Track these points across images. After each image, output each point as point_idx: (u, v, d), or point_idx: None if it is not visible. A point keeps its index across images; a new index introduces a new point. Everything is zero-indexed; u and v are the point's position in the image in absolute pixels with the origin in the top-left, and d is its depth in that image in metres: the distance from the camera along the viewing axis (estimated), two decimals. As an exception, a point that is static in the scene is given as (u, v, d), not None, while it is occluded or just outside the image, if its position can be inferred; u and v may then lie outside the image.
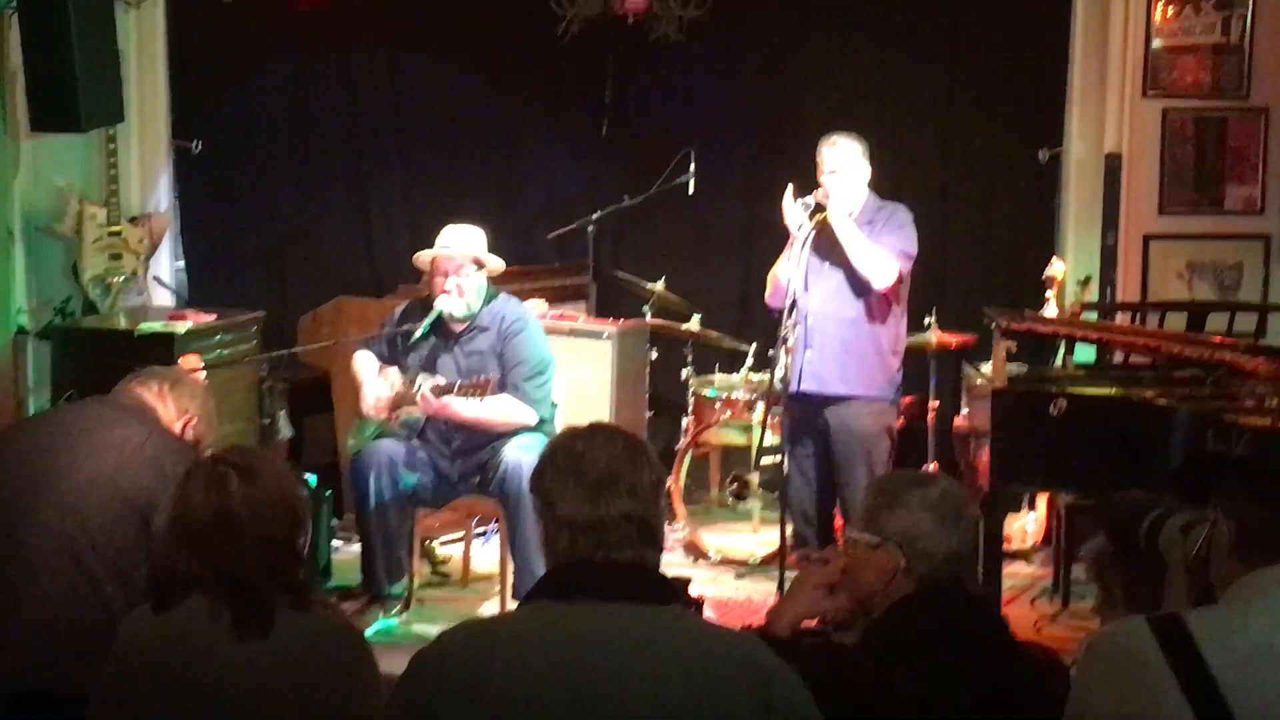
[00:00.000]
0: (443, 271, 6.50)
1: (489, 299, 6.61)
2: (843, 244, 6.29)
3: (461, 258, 6.51)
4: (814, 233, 6.30)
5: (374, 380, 6.61)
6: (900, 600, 3.41)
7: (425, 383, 6.32)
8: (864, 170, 6.48)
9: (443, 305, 6.48)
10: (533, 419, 6.46)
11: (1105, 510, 3.94)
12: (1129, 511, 3.68)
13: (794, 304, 6.27)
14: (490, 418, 6.40)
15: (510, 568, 6.49)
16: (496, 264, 6.65)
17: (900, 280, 6.37)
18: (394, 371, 6.62)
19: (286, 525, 3.41)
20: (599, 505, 2.87)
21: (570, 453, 2.94)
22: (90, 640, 3.91)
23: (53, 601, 4.12)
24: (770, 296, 6.56)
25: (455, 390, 6.23)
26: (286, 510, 3.42)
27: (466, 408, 6.30)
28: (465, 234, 6.58)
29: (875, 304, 6.40)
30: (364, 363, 6.70)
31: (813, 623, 3.56)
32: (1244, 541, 2.87)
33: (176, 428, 4.56)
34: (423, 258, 6.62)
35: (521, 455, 6.22)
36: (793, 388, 6.46)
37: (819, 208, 6.35)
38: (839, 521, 6.80)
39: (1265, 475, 3.00)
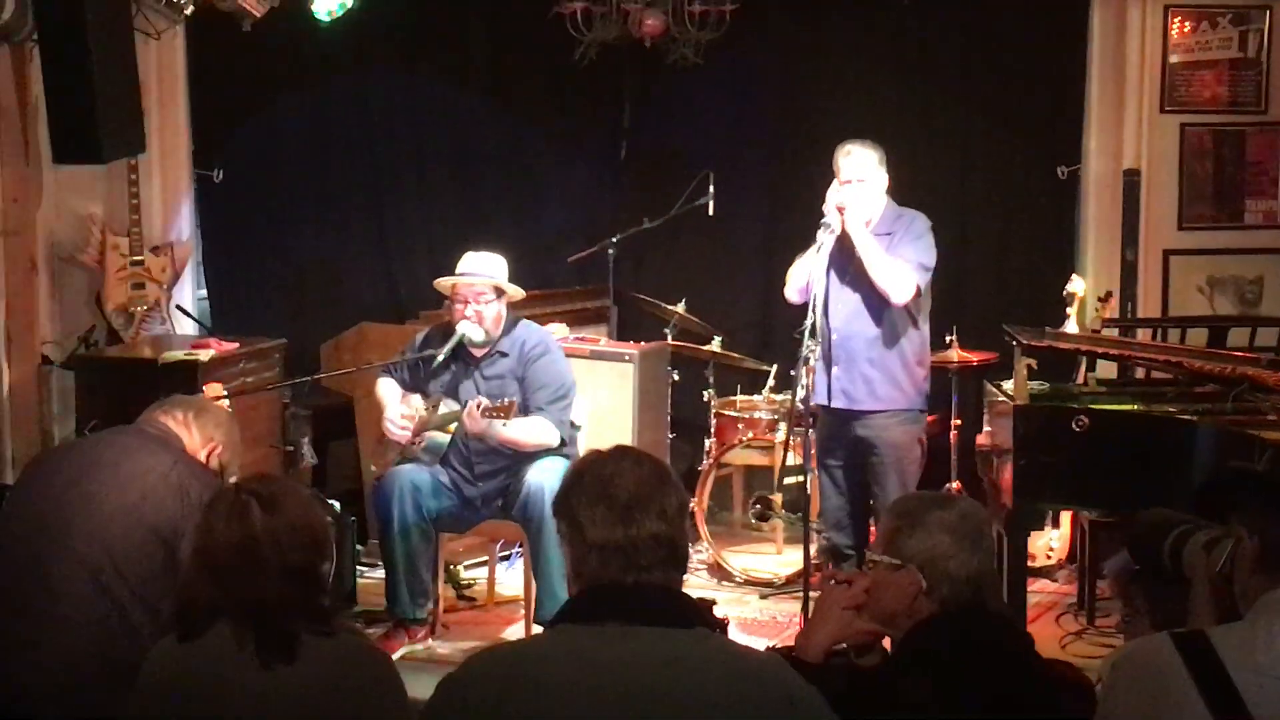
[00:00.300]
0: (463, 299, 6.53)
1: (509, 325, 6.63)
2: (860, 255, 6.26)
3: (482, 285, 6.54)
4: (833, 244, 6.26)
5: (397, 405, 6.65)
6: (922, 621, 3.41)
7: (470, 402, 6.34)
8: (881, 178, 6.43)
9: (461, 326, 6.51)
10: (556, 440, 6.48)
11: (1129, 528, 3.93)
12: (1153, 529, 3.68)
13: (813, 324, 6.23)
14: (523, 438, 6.43)
15: (534, 591, 6.51)
16: (516, 292, 6.68)
17: (919, 294, 6.36)
18: (417, 398, 6.66)
19: (309, 554, 3.40)
20: (630, 528, 2.88)
21: (599, 476, 2.94)
22: (117, 669, 3.91)
23: (80, 630, 4.14)
24: (794, 292, 6.51)
25: (481, 410, 6.25)
26: (309, 539, 3.41)
27: (503, 429, 6.33)
28: (486, 261, 6.61)
29: (897, 318, 6.38)
30: (387, 389, 6.75)
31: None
32: (1267, 557, 2.87)
33: (202, 456, 4.58)
34: (444, 283, 6.65)
35: (544, 478, 6.25)
36: (822, 402, 6.44)
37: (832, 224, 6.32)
38: (874, 531, 6.81)
39: None
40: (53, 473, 4.46)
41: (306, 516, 3.45)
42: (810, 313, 6.15)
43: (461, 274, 6.58)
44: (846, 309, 6.41)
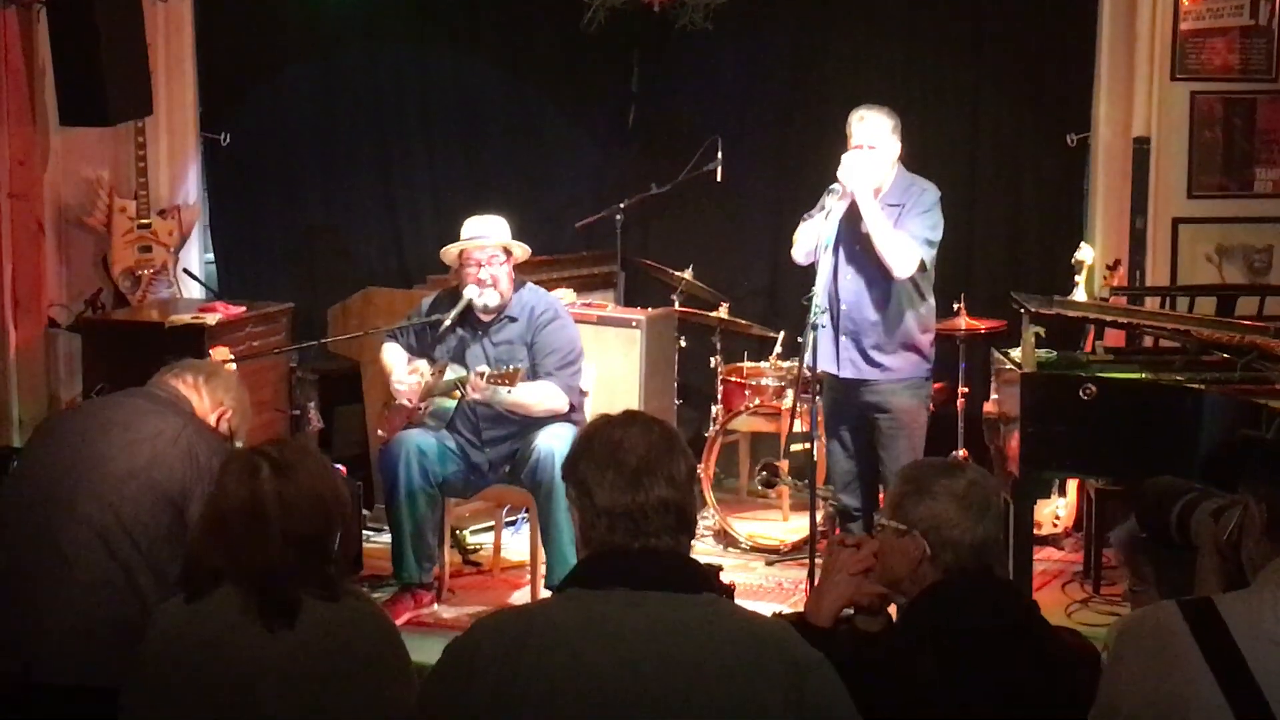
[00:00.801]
0: (475, 262, 6.52)
1: (516, 288, 6.62)
2: (866, 225, 6.23)
3: (494, 247, 6.53)
4: (842, 213, 6.24)
5: (403, 370, 6.65)
6: (928, 587, 3.42)
7: (474, 370, 6.34)
8: (894, 146, 6.38)
9: (476, 296, 6.50)
10: (565, 405, 6.48)
11: (1136, 496, 3.94)
12: (1160, 496, 3.69)
13: (822, 291, 6.22)
14: (531, 402, 6.43)
15: (541, 556, 6.52)
16: (523, 249, 6.68)
17: (923, 268, 6.33)
18: (423, 363, 6.65)
19: (317, 524, 3.38)
20: (638, 493, 2.87)
21: (608, 441, 2.93)
22: (125, 632, 3.92)
23: (89, 593, 4.15)
24: (800, 253, 6.47)
25: (485, 378, 6.25)
26: (319, 509, 3.39)
27: (508, 395, 6.34)
28: (492, 223, 6.61)
29: (903, 289, 6.36)
30: (392, 354, 6.75)
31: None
32: (1275, 524, 2.87)
33: (211, 419, 4.58)
34: (451, 252, 6.64)
35: (554, 444, 6.24)
36: (830, 370, 6.44)
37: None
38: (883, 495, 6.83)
39: None
40: (62, 437, 4.47)
41: (318, 486, 3.42)
42: (816, 279, 6.14)
43: (469, 238, 6.57)
44: (854, 280, 6.40)
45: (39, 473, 4.37)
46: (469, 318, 6.60)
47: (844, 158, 6.30)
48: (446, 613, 6.63)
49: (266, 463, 3.38)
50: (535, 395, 6.44)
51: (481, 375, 6.25)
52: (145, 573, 4.17)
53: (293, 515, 3.34)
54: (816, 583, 3.74)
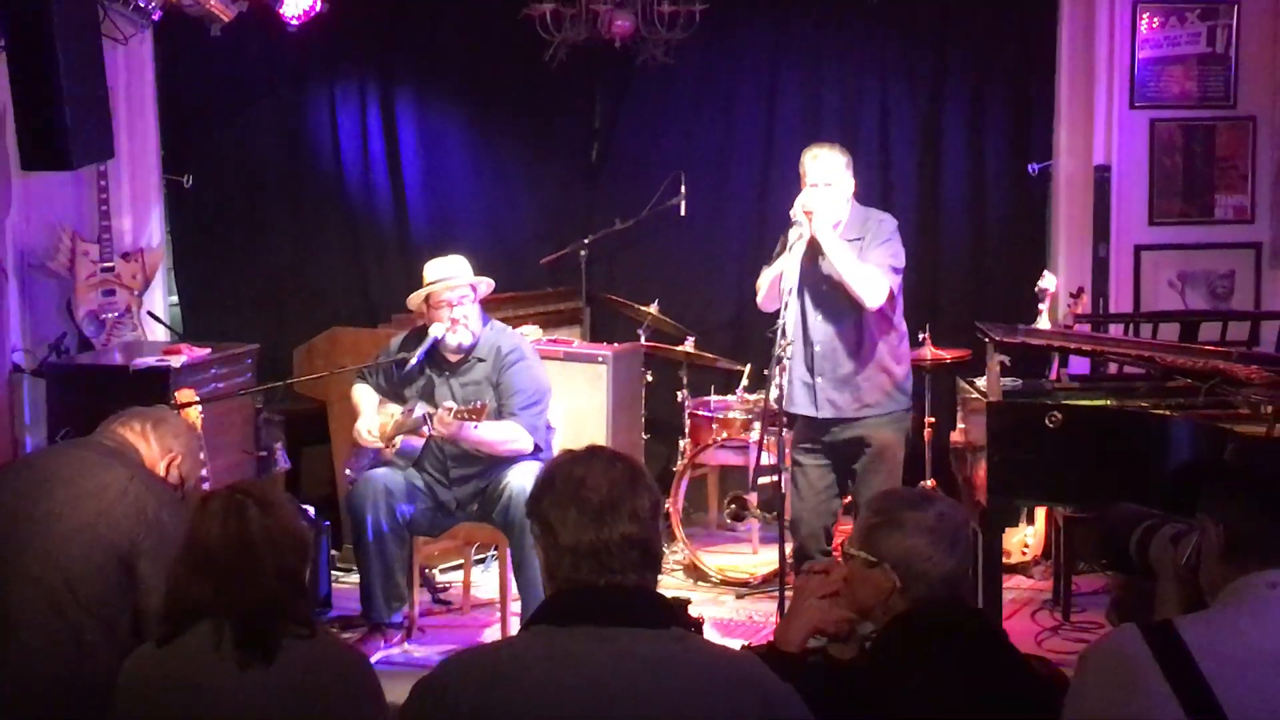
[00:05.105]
0: (446, 303, 6.52)
1: (482, 327, 6.62)
2: (830, 260, 6.24)
3: (462, 286, 6.53)
4: (804, 251, 6.25)
5: (373, 413, 6.64)
6: (898, 616, 3.42)
7: (441, 405, 6.33)
8: (848, 182, 6.41)
9: (448, 338, 6.51)
10: (530, 446, 6.47)
11: (1097, 523, 3.97)
12: (1121, 524, 3.71)
13: (784, 326, 6.20)
14: (495, 440, 6.42)
15: (511, 593, 6.50)
16: (488, 283, 6.69)
17: (892, 296, 6.35)
18: (394, 407, 6.64)
19: (299, 558, 3.46)
20: (601, 530, 2.87)
21: (570, 478, 2.93)
22: (73, 690, 3.92)
23: (35, 656, 4.10)
24: (764, 301, 6.49)
25: (452, 413, 6.24)
26: (300, 542, 3.47)
27: (474, 431, 6.32)
28: (454, 263, 6.62)
29: (874, 322, 6.37)
30: (363, 394, 6.75)
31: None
32: (1231, 545, 2.89)
33: (161, 467, 4.52)
34: (417, 298, 6.63)
35: (525, 481, 6.21)
36: (807, 413, 6.43)
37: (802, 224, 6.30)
38: (847, 527, 6.83)
39: (1251, 478, 3.00)
40: (7, 492, 4.37)
41: (295, 521, 3.52)
42: (781, 313, 6.14)
43: (435, 281, 6.57)
44: (824, 321, 6.39)
45: None
46: (437, 358, 6.60)
47: (800, 196, 6.31)
48: (416, 651, 6.61)
49: (252, 500, 3.42)
50: (500, 434, 6.43)
51: (449, 410, 6.25)
52: (93, 628, 4.11)
53: (280, 550, 3.40)
54: (788, 608, 3.75)
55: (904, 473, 6.64)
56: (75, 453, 4.49)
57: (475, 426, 6.28)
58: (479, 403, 6.26)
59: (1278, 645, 2.73)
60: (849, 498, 6.68)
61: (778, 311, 6.19)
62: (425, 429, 6.43)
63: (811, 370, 6.41)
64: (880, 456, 6.44)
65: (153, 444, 4.53)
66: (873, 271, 6.26)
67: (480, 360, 6.59)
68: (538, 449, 6.51)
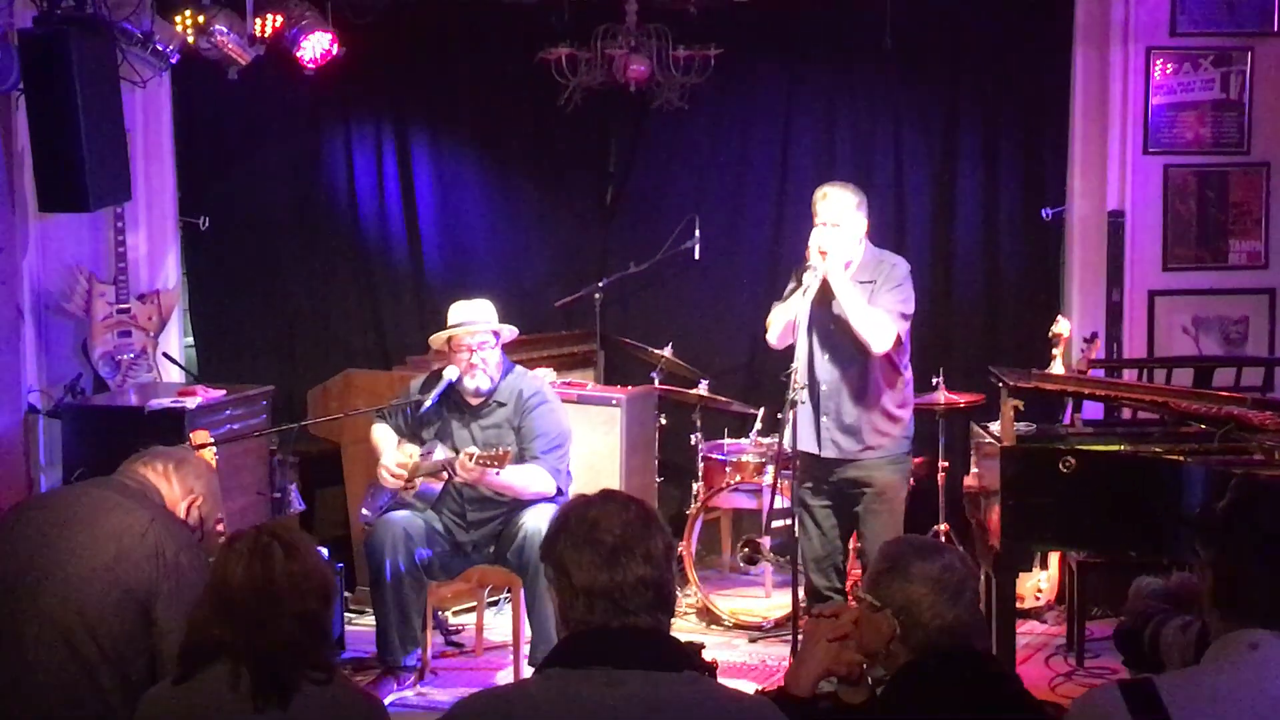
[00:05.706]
0: (466, 348, 6.54)
1: (504, 372, 6.64)
2: (840, 302, 6.24)
3: (484, 332, 6.55)
4: (816, 291, 6.25)
5: (393, 452, 6.65)
6: (909, 663, 3.43)
7: (463, 451, 6.34)
8: (859, 222, 6.41)
9: (465, 381, 6.53)
10: (553, 489, 6.48)
11: (1113, 636, 4.10)
12: (1135, 620, 3.83)
13: (799, 369, 6.21)
14: (519, 484, 6.44)
15: (525, 635, 6.50)
16: (511, 331, 6.70)
17: (899, 342, 6.34)
18: (413, 447, 6.65)
19: (321, 602, 3.44)
20: (616, 572, 2.88)
21: (584, 520, 2.94)
22: None
23: (49, 697, 4.08)
24: (775, 337, 6.49)
25: (474, 460, 6.25)
26: (322, 586, 3.45)
27: (497, 477, 6.33)
28: (480, 308, 6.63)
29: (882, 366, 6.37)
30: (383, 434, 6.76)
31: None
32: (1219, 590, 2.90)
33: (181, 507, 4.50)
34: (440, 338, 6.64)
35: (541, 523, 6.21)
36: (811, 450, 6.42)
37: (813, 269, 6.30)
38: (856, 571, 6.82)
39: (1240, 527, 2.99)
40: (27, 529, 4.35)
41: (320, 564, 3.50)
42: (795, 356, 6.15)
43: (457, 324, 6.59)
44: (831, 361, 6.40)
45: (1, 567, 4.27)
46: (457, 401, 6.61)
47: (812, 236, 6.32)
48: (430, 694, 6.60)
49: (277, 542, 3.42)
50: (523, 478, 6.43)
51: (471, 456, 6.25)
52: (107, 672, 4.09)
53: (302, 594, 3.39)
54: (797, 653, 3.76)
55: (917, 517, 6.64)
56: (97, 492, 4.47)
57: (497, 473, 6.28)
58: (501, 449, 6.26)
59: (1252, 708, 2.73)
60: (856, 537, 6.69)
61: (791, 351, 6.20)
62: (446, 473, 6.44)
63: (817, 409, 6.41)
64: (882, 497, 6.44)
65: (174, 484, 4.53)
66: (881, 317, 6.26)
67: (501, 404, 6.60)
68: (559, 492, 6.52)
